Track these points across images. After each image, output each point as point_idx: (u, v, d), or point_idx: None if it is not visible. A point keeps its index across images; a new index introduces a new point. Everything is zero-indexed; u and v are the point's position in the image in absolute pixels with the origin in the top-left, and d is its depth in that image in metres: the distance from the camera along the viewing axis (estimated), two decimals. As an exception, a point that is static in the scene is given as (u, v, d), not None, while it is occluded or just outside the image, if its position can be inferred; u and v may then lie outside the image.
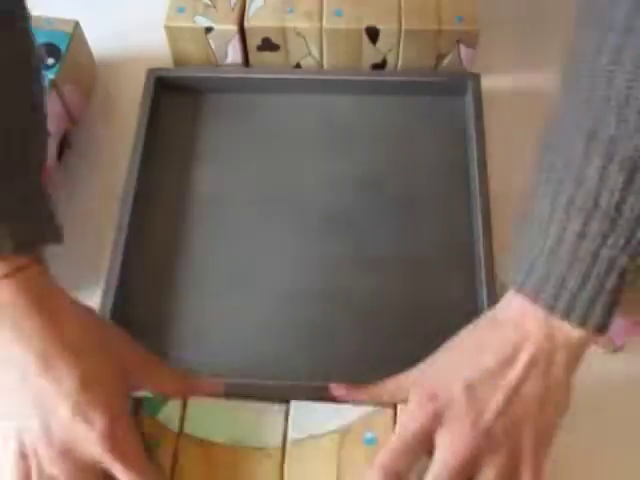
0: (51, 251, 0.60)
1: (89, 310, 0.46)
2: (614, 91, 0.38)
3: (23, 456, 0.42)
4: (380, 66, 0.67)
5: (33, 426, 0.42)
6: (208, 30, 0.65)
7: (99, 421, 0.41)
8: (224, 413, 0.46)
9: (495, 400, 0.42)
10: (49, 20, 0.65)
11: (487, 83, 0.66)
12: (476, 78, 0.65)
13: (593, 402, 0.53)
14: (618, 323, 0.52)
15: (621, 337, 0.53)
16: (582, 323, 0.41)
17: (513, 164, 0.64)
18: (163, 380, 0.47)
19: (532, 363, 0.42)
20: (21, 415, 0.42)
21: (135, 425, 0.44)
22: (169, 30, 0.65)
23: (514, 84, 0.69)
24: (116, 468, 0.42)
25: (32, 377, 0.41)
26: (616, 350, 0.55)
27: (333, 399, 0.48)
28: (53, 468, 0.42)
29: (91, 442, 0.41)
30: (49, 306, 0.43)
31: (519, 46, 0.72)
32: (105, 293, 0.55)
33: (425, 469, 0.42)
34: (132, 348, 0.46)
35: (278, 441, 0.45)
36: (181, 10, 0.65)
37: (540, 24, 0.73)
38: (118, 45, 0.71)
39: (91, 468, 0.42)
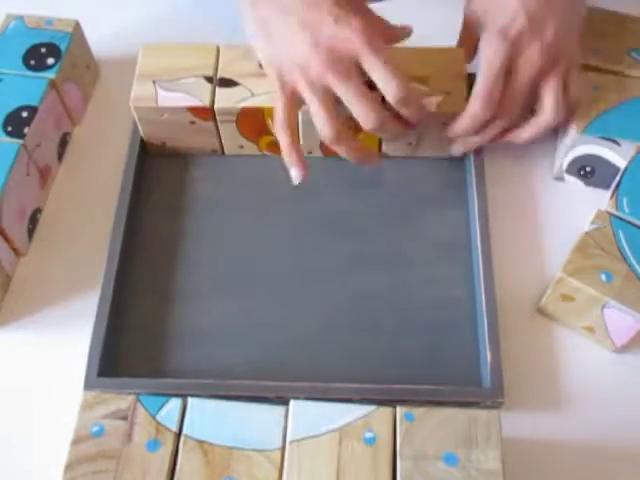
0: (51, 252, 0.60)
1: None
2: None
3: (289, 88, 0.54)
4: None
5: (302, 48, 0.52)
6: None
7: (356, 23, 0.52)
8: (223, 413, 0.46)
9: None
10: (49, 20, 0.65)
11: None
12: (472, 78, 0.65)
13: (593, 402, 0.53)
14: (620, 323, 0.52)
15: (621, 337, 0.53)
16: None
17: (511, 164, 0.65)
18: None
19: None
20: (291, 45, 0.53)
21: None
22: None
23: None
24: (374, 61, 0.51)
25: (296, 9, 0.53)
26: (616, 350, 0.55)
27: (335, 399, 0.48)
28: (324, 75, 0.52)
29: (351, 40, 0.52)
30: None
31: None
32: (103, 293, 0.55)
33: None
34: None
35: (278, 441, 0.45)
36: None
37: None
38: (118, 45, 0.71)
39: (356, 72, 0.52)
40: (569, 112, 0.58)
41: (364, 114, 0.53)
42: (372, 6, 0.59)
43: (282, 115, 0.55)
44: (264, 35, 0.56)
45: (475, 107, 0.56)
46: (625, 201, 0.55)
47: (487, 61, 0.56)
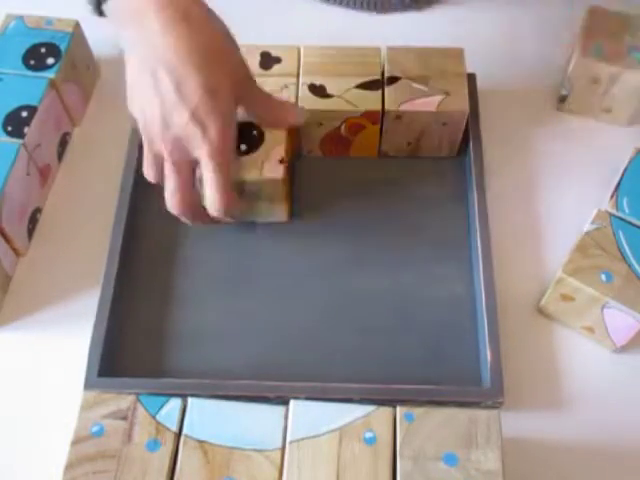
0: (51, 252, 0.60)
1: (219, 20, 0.52)
2: None
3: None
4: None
5: (155, 119, 0.49)
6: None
7: (213, 129, 0.48)
8: (223, 413, 0.46)
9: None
10: (49, 20, 0.65)
11: (484, 81, 0.66)
12: (472, 78, 0.65)
13: (593, 402, 0.53)
14: (620, 323, 0.52)
15: (621, 337, 0.53)
16: None
17: (510, 163, 0.65)
18: (261, 100, 0.54)
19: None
20: (148, 104, 0.49)
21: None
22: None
23: (511, 82, 0.69)
24: (210, 177, 0.49)
25: (160, 77, 0.48)
26: (616, 350, 0.55)
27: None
28: (162, 157, 0.50)
29: (200, 147, 0.49)
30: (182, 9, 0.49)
31: (515, 44, 0.72)
32: (103, 293, 0.55)
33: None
34: (244, 63, 0.53)
35: (278, 441, 0.45)
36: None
37: (538, 22, 0.73)
38: (118, 45, 0.71)
39: (190, 171, 0.50)
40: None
41: (172, 206, 0.52)
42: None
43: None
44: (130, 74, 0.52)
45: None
46: (625, 201, 0.55)
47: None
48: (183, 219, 0.54)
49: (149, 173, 0.53)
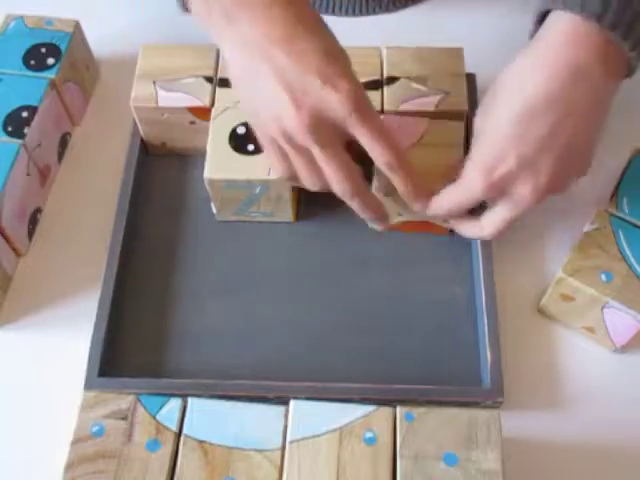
0: (51, 252, 0.60)
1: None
2: None
3: (276, 145, 0.50)
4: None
5: (283, 107, 0.47)
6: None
7: (346, 85, 0.47)
8: (223, 413, 0.46)
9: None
10: (49, 20, 0.65)
11: (484, 81, 0.66)
12: (471, 77, 0.65)
13: (593, 402, 0.53)
14: (620, 323, 0.52)
15: (621, 337, 0.53)
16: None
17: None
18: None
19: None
20: (271, 100, 0.48)
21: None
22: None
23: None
24: (360, 128, 0.48)
25: (277, 57, 0.47)
26: (616, 350, 0.55)
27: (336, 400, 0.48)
28: (305, 139, 0.48)
29: (339, 104, 0.47)
30: None
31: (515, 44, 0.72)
32: (103, 293, 0.55)
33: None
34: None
35: (278, 441, 0.45)
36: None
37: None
38: (118, 45, 0.71)
39: (339, 136, 0.49)
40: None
41: (335, 181, 0.50)
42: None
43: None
44: (239, 74, 0.50)
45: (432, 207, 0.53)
46: (625, 201, 0.55)
47: (460, 188, 0.52)
48: (366, 215, 0.53)
49: (280, 167, 0.51)
